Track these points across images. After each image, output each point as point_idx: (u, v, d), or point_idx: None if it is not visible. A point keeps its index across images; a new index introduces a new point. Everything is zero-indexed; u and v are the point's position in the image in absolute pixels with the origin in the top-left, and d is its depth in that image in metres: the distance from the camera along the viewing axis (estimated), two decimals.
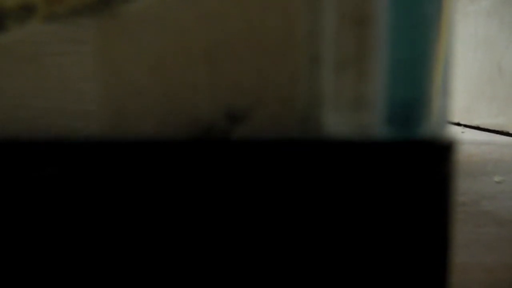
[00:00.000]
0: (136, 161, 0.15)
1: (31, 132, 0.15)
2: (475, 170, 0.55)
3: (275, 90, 0.15)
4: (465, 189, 0.48)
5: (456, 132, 0.89)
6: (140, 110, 0.15)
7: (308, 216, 0.15)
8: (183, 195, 0.15)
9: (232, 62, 0.15)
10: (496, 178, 0.50)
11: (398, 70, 0.15)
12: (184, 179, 0.15)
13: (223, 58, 0.15)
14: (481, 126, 0.90)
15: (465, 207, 0.42)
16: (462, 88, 0.94)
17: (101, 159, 0.15)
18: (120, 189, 0.15)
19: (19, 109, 0.15)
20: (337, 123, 0.15)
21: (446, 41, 0.16)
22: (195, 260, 0.15)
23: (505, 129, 0.85)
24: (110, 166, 0.15)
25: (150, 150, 0.15)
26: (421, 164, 0.15)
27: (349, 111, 0.15)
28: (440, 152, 0.15)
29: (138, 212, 0.15)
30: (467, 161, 0.62)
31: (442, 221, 0.15)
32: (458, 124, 0.95)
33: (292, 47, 0.15)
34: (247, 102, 0.15)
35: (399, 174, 0.15)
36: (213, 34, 0.15)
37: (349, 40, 0.15)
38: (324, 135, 0.15)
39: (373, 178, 0.15)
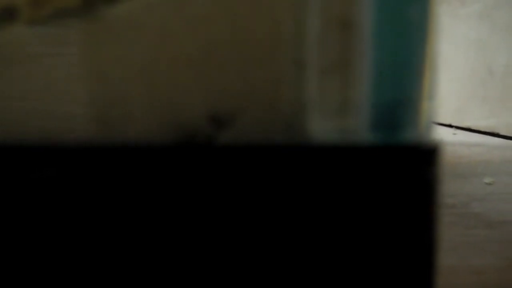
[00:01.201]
0: (120, 166, 0.15)
1: (16, 135, 0.15)
2: (465, 172, 0.55)
3: (261, 95, 0.15)
4: (455, 190, 0.48)
5: (448, 134, 0.89)
6: (125, 113, 0.15)
7: (293, 221, 0.15)
8: (167, 200, 0.15)
9: (217, 67, 0.15)
10: (486, 180, 0.50)
11: (384, 74, 0.15)
12: (168, 184, 0.14)
13: (208, 63, 0.15)
14: (473, 128, 0.91)
15: (454, 209, 0.42)
16: (453, 90, 0.94)
17: (86, 163, 0.15)
18: (104, 194, 0.15)
19: (3, 111, 0.15)
20: (322, 128, 0.15)
21: (432, 45, 0.16)
22: (177, 267, 0.15)
23: (496, 130, 0.86)
24: (95, 170, 0.15)
25: (135, 154, 0.14)
26: (406, 169, 0.15)
27: (335, 116, 0.15)
28: (426, 156, 0.15)
29: (121, 217, 0.15)
30: (457, 162, 0.62)
31: (428, 225, 0.15)
32: (450, 126, 0.95)
33: (278, 52, 0.15)
34: (232, 107, 0.15)
35: (384, 178, 0.15)
36: (198, 38, 0.15)
37: (334, 45, 0.15)
38: (309, 140, 0.15)
39: (358, 183, 0.15)
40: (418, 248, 0.15)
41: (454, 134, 0.89)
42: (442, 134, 0.86)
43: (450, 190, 0.47)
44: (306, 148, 0.14)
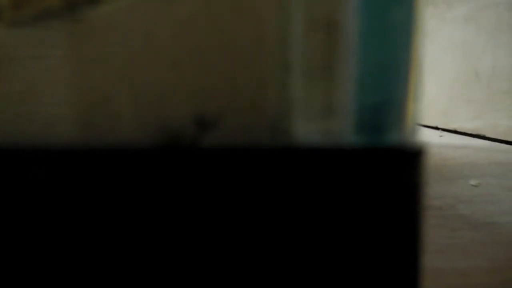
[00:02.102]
0: (105, 168, 0.14)
1: None
2: (451, 174, 0.56)
3: (245, 97, 0.15)
4: (441, 193, 0.48)
5: (434, 136, 0.89)
6: (109, 116, 0.15)
7: (278, 223, 0.15)
8: (151, 203, 0.14)
9: (201, 68, 0.15)
10: (472, 182, 0.51)
11: (369, 76, 0.15)
12: (153, 187, 0.14)
13: (192, 64, 0.15)
14: (459, 130, 0.91)
15: (440, 211, 0.42)
16: (440, 92, 0.95)
17: (70, 166, 0.14)
18: (88, 197, 0.14)
19: None
20: (307, 130, 0.15)
21: (417, 47, 0.16)
22: (160, 269, 0.15)
23: (481, 132, 0.86)
24: (79, 174, 0.14)
25: (119, 157, 0.14)
26: (391, 171, 0.15)
27: (320, 118, 0.15)
28: (411, 159, 0.15)
29: (106, 220, 0.14)
30: (443, 164, 0.62)
31: (413, 227, 0.15)
32: (436, 128, 0.95)
33: (262, 54, 0.15)
34: (216, 109, 0.15)
35: (369, 181, 0.15)
36: (182, 39, 0.15)
37: (319, 47, 0.15)
38: (294, 143, 0.15)
39: (343, 185, 0.15)
40: (403, 250, 0.15)
41: (441, 136, 0.89)
42: (428, 136, 0.87)
43: (436, 192, 0.47)
44: (290, 151, 0.14)
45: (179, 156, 0.14)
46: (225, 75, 0.15)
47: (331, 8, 0.15)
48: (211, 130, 0.15)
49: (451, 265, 0.30)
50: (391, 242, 0.15)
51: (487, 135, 0.84)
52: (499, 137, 0.81)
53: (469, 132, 0.87)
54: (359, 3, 0.15)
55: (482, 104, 0.86)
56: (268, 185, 0.14)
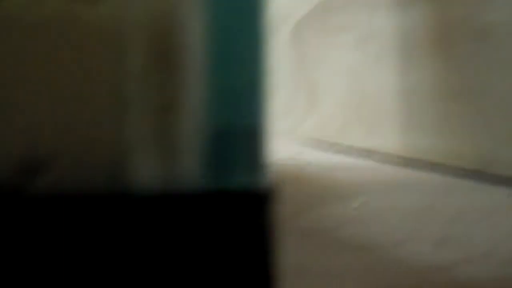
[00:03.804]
0: None
1: None
2: (337, 195, 0.57)
3: (79, 138, 0.14)
4: (323, 215, 0.49)
5: (324, 157, 0.91)
6: None
7: (118, 274, 0.14)
8: None
9: (28, 110, 0.13)
10: (355, 203, 0.52)
11: (215, 112, 0.15)
12: None
13: (17, 106, 0.13)
14: (350, 149, 0.94)
15: (323, 233, 0.43)
16: (332, 114, 0.98)
17: None
18: None
19: None
20: (148, 171, 0.14)
21: (267, 82, 0.16)
22: None
23: (372, 150, 0.90)
24: None
25: None
26: (238, 213, 0.14)
27: (160, 159, 0.14)
28: (258, 200, 0.14)
29: None
30: (329, 185, 0.63)
31: (262, 267, 0.15)
32: (328, 148, 0.98)
33: (98, 93, 0.14)
34: (46, 152, 0.14)
35: (213, 224, 0.14)
36: (3, 78, 0.13)
37: (159, 85, 0.14)
38: (132, 187, 0.14)
39: (187, 229, 0.14)
40: None
41: (331, 156, 0.92)
42: (318, 157, 0.88)
43: (319, 214, 0.48)
44: (127, 197, 0.13)
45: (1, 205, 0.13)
46: (56, 115, 0.14)
47: (171, 45, 0.14)
48: (41, 174, 0.13)
49: None
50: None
51: (377, 153, 0.87)
52: (388, 155, 0.84)
53: (361, 150, 0.89)
54: (203, 41, 0.14)
55: (370, 125, 0.89)
56: (104, 234, 0.13)
